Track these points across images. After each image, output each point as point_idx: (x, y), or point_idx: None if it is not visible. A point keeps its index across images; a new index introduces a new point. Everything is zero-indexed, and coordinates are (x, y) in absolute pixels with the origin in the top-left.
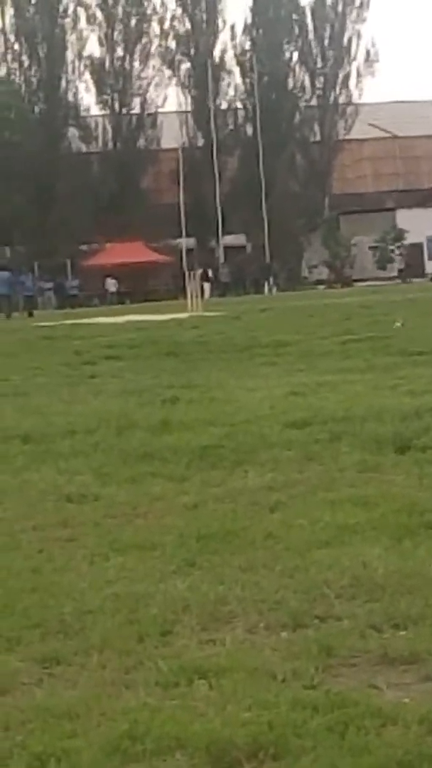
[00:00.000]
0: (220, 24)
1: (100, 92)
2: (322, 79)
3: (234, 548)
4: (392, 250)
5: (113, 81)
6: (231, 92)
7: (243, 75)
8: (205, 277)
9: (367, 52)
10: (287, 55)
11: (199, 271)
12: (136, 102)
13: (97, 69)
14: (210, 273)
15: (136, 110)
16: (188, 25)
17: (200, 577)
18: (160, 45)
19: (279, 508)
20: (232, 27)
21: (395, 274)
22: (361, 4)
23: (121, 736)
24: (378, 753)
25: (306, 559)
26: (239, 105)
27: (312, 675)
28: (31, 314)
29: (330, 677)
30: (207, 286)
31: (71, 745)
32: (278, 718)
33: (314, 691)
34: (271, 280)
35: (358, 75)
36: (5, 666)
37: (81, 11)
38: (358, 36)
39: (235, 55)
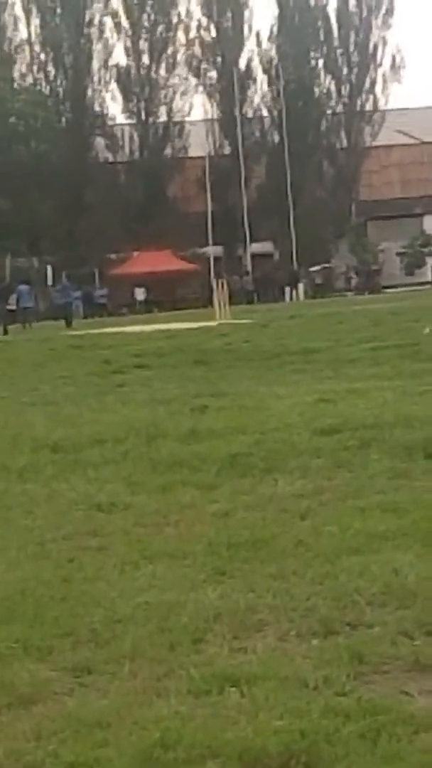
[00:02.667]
0: (246, 32)
1: (126, 101)
2: (348, 86)
3: (264, 556)
4: (427, 254)
5: (139, 90)
6: (257, 100)
7: (269, 82)
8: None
9: (393, 59)
10: (313, 62)
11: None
12: (163, 111)
13: (123, 78)
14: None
15: (163, 119)
16: (214, 33)
17: (231, 585)
18: (186, 53)
19: (309, 516)
20: (258, 35)
21: (424, 279)
22: (387, 10)
23: (153, 745)
24: (410, 760)
25: (336, 567)
26: (265, 113)
27: (343, 682)
28: (67, 323)
29: (361, 684)
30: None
31: (103, 754)
32: (310, 725)
33: (346, 699)
34: (301, 287)
35: (384, 81)
36: (37, 675)
37: (107, 20)
38: (384, 42)
39: (261, 63)
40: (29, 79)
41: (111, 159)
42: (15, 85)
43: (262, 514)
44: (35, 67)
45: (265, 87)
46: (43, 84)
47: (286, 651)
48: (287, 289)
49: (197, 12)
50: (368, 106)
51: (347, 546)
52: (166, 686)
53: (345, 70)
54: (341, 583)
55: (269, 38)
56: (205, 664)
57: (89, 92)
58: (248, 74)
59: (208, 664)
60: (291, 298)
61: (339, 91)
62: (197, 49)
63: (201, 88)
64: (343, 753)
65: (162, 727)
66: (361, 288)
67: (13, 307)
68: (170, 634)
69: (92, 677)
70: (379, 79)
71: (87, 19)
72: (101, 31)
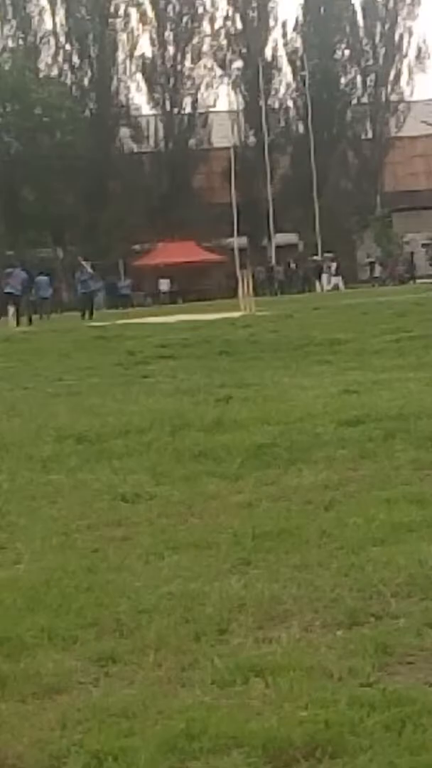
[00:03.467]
0: (272, 22)
1: (151, 92)
2: (373, 76)
3: (289, 547)
4: None
5: (164, 80)
6: (282, 90)
7: (294, 73)
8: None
9: (419, 49)
10: (338, 52)
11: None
12: (188, 101)
13: (148, 68)
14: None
15: (188, 110)
16: (239, 24)
17: (255, 575)
18: (211, 44)
19: (333, 507)
20: (284, 25)
21: None
22: (413, 0)
23: (178, 735)
24: None
25: (361, 558)
26: (290, 103)
27: (368, 673)
28: (84, 315)
29: (386, 675)
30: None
31: (128, 743)
32: (335, 716)
33: (371, 689)
34: (324, 278)
35: (410, 72)
36: (62, 665)
37: (132, 11)
38: (410, 33)
39: (287, 54)
40: (54, 70)
41: (135, 150)
42: (40, 75)
43: (287, 505)
44: (60, 58)
45: (290, 77)
46: (68, 75)
47: (310, 642)
48: (319, 280)
49: (223, 2)
50: (393, 97)
51: (372, 537)
52: (190, 676)
53: (370, 61)
54: (366, 574)
55: (294, 28)
56: (229, 655)
57: (114, 83)
58: (273, 65)
59: (233, 655)
60: (322, 289)
61: (364, 81)
62: (222, 40)
63: (226, 79)
64: (368, 744)
65: (187, 717)
66: (385, 278)
67: (33, 298)
68: (195, 624)
69: (117, 667)
70: (405, 70)
71: (112, 9)
72: (126, 22)
